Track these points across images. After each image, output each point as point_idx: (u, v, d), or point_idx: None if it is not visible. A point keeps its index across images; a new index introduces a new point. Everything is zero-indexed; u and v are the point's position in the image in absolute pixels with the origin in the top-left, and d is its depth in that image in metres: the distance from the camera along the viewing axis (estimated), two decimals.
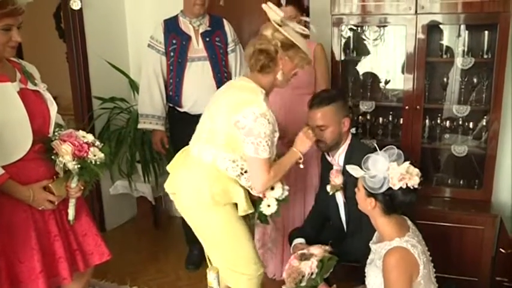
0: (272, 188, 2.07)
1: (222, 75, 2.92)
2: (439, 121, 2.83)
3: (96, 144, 1.93)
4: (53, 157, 1.85)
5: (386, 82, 2.98)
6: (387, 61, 3.04)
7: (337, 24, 2.79)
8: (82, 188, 1.95)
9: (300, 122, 2.68)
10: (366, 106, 2.88)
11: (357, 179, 1.91)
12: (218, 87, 2.86)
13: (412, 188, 1.78)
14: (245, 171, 2.02)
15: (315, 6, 2.69)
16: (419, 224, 1.98)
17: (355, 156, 2.07)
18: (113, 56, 3.51)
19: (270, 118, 1.93)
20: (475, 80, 2.70)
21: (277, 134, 2.01)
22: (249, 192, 2.06)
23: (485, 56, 2.65)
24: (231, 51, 2.96)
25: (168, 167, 2.21)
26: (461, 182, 2.90)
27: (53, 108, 1.92)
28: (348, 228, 2.30)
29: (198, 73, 2.87)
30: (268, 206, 2.09)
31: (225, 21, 2.96)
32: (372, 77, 2.98)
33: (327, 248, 2.02)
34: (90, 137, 1.94)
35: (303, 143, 2.12)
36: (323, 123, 2.19)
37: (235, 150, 1.99)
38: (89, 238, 2.04)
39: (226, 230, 2.07)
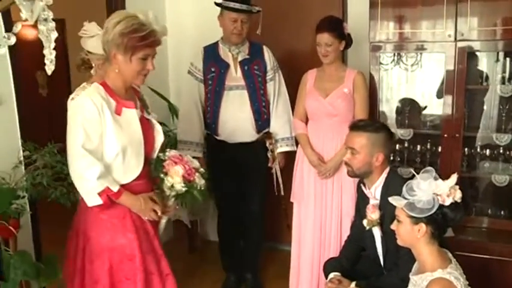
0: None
1: (259, 104, 2.92)
2: (478, 149, 2.80)
3: (199, 171, 2.03)
4: (161, 175, 1.96)
5: (424, 108, 2.97)
6: (425, 87, 3.04)
7: (375, 51, 2.81)
8: (176, 207, 2.07)
9: (332, 156, 2.70)
10: (403, 133, 2.86)
11: (394, 213, 1.89)
12: (255, 116, 2.90)
13: (458, 202, 1.78)
14: None
15: (353, 32, 2.73)
16: (457, 255, 1.95)
17: (392, 189, 2.06)
18: (153, 81, 3.59)
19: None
20: None
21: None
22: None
23: None
24: (270, 80, 2.95)
25: None
26: (502, 213, 2.84)
27: (159, 137, 2.08)
28: (385, 262, 2.27)
29: (235, 102, 2.88)
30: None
31: (265, 49, 2.96)
32: (410, 104, 2.98)
33: None
34: (196, 163, 2.06)
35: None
36: (355, 147, 2.20)
37: None
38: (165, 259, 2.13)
39: None
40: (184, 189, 1.95)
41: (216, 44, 2.95)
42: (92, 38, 2.50)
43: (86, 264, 1.97)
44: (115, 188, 1.88)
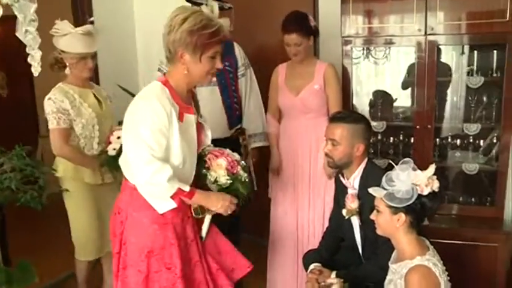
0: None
1: (231, 100, 2.90)
2: (449, 139, 2.87)
3: (240, 163, 1.96)
4: (203, 171, 1.89)
5: (394, 100, 3.03)
6: (393, 80, 3.09)
7: (347, 45, 2.83)
8: None
9: (307, 152, 2.72)
10: (376, 126, 2.90)
11: (373, 202, 1.92)
12: (227, 112, 2.87)
13: (435, 192, 1.82)
14: None
15: (324, 26, 2.75)
16: (432, 242, 1.99)
17: (371, 179, 2.08)
18: (123, 80, 3.53)
19: (55, 100, 2.46)
20: (484, 99, 2.75)
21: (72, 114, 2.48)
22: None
23: (494, 75, 2.70)
24: (241, 76, 2.92)
25: None
26: (472, 200, 2.92)
27: (207, 141, 2.00)
28: (364, 251, 2.29)
29: (206, 98, 2.79)
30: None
31: (235, 45, 2.93)
32: (382, 97, 3.02)
33: (341, 280, 2.09)
34: (237, 156, 1.99)
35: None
36: (336, 138, 2.20)
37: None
38: (226, 255, 2.05)
39: (71, 202, 2.56)
40: (229, 182, 1.89)
41: None
42: (65, 36, 2.43)
43: (120, 269, 1.87)
44: (186, 188, 1.78)
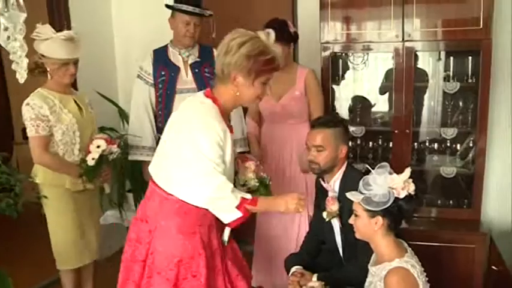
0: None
1: None
2: (427, 144, 2.92)
3: (260, 167, 2.02)
4: None
5: (373, 105, 3.06)
6: (373, 85, 3.13)
7: (325, 51, 2.86)
8: None
9: (288, 158, 2.75)
10: (355, 131, 2.93)
11: (352, 205, 1.94)
12: None
13: (412, 194, 1.84)
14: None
15: (303, 32, 2.76)
16: (410, 244, 2.01)
17: (351, 182, 2.10)
18: (102, 86, 3.50)
19: (34, 106, 2.38)
20: (460, 104, 2.81)
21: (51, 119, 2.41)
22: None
23: (469, 81, 2.76)
24: None
25: None
26: (450, 202, 2.97)
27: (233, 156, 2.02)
28: (345, 253, 2.31)
29: None
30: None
31: (215, 51, 2.92)
32: (361, 102, 3.05)
33: (322, 283, 2.10)
34: (256, 160, 2.05)
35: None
36: (321, 143, 2.21)
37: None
38: (243, 262, 2.07)
39: (51, 209, 2.51)
40: (257, 184, 1.92)
41: (165, 48, 2.88)
42: (46, 41, 2.38)
43: (144, 277, 1.85)
44: (249, 196, 1.80)
